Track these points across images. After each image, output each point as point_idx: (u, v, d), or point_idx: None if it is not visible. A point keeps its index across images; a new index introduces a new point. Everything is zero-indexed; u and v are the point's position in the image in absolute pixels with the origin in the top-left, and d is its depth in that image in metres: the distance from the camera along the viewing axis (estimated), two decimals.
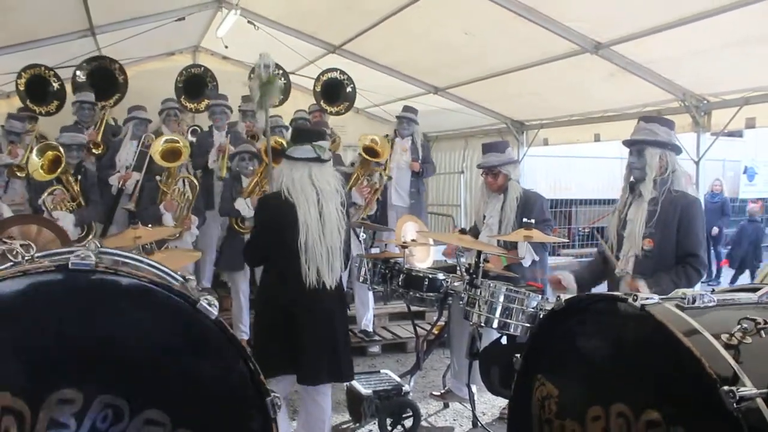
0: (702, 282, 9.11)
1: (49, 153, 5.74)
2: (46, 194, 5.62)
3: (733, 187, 16.80)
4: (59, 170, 5.66)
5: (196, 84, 8.52)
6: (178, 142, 6.08)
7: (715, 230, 12.10)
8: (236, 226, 6.15)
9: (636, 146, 3.82)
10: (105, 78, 7.78)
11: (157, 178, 6.06)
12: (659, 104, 6.44)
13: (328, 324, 3.73)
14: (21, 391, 1.70)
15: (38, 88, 7.31)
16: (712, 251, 12.12)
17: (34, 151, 5.77)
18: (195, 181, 6.04)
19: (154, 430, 1.85)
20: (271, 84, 6.19)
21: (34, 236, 3.99)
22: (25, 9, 6.29)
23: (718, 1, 4.60)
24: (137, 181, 6.47)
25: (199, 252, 5.46)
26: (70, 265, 1.78)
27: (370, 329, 6.82)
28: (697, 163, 6.38)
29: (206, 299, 1.94)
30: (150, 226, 5.57)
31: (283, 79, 7.30)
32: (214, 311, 1.94)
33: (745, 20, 4.67)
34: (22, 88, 7.19)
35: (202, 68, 8.72)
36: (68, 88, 7.55)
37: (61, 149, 5.74)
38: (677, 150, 3.86)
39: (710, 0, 4.63)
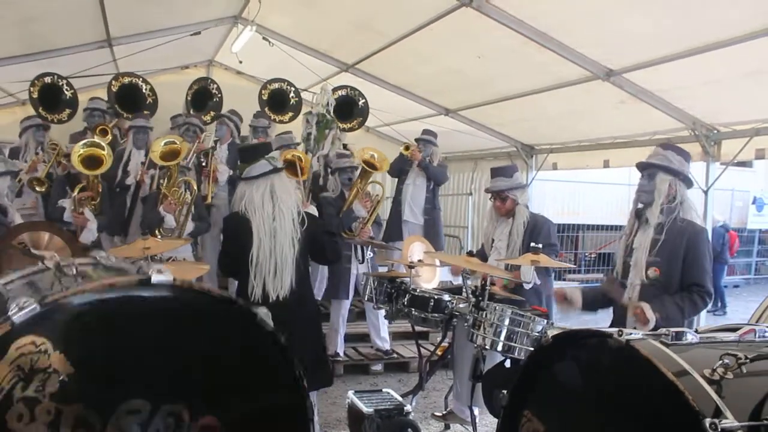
0: (708, 311, 9.09)
1: (96, 150, 5.72)
2: (76, 191, 5.61)
3: (741, 217, 16.75)
4: (101, 168, 5.66)
5: (202, 96, 8.61)
6: (176, 143, 6.10)
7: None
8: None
9: (648, 170, 3.84)
10: (134, 96, 7.94)
11: (160, 181, 6.07)
12: (669, 132, 6.45)
13: None
14: (93, 402, 1.74)
15: (51, 96, 7.39)
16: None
17: (81, 143, 5.77)
18: (194, 184, 6.05)
19: None
20: (327, 126, 6.29)
21: (45, 243, 4.02)
22: (45, 19, 6.38)
23: (729, 33, 4.63)
24: (153, 177, 6.55)
25: (207, 265, 5.45)
26: (153, 281, 1.83)
27: (384, 347, 6.83)
28: (706, 192, 6.37)
29: (263, 311, 2.05)
30: (157, 233, 5.63)
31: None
32: (270, 323, 2.05)
33: (757, 52, 4.70)
34: (35, 96, 7.26)
35: (208, 80, 8.82)
36: (81, 97, 7.65)
37: (108, 150, 5.76)
38: (688, 182, 3.86)
39: (722, 31, 4.66)
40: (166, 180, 5.96)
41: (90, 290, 1.75)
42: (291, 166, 6.17)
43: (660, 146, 3.97)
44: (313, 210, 4.55)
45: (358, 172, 6.78)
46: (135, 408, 1.79)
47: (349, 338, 6.93)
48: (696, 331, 2.10)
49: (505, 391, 2.55)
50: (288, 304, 3.83)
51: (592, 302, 4.06)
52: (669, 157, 3.81)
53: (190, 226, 5.92)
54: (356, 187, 6.65)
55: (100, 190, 5.86)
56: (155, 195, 6.01)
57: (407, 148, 8.05)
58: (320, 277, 7.54)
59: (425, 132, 8.00)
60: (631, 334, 1.98)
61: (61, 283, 1.92)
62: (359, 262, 6.52)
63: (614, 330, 2.03)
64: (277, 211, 3.83)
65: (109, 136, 7.21)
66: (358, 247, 6.50)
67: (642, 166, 3.91)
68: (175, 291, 1.89)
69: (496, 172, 5.14)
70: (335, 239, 4.42)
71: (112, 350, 1.80)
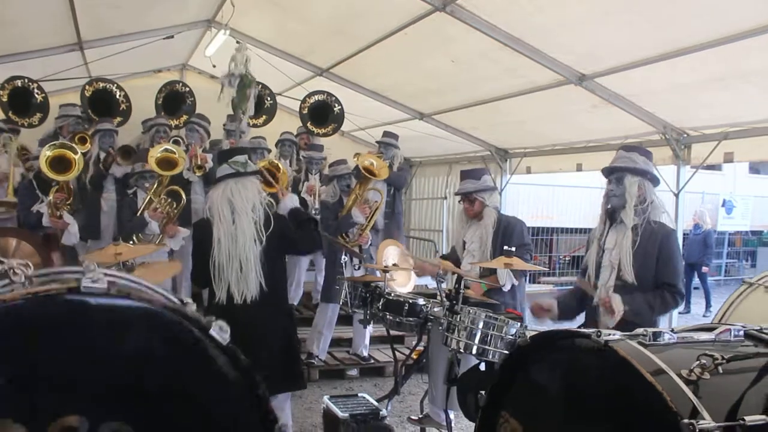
0: (680, 314, 9.19)
1: (66, 153, 5.55)
2: (51, 194, 5.48)
3: (711, 219, 17.02)
4: (72, 172, 5.51)
5: (175, 100, 8.53)
6: (175, 153, 6.03)
7: (705, 269, 12.45)
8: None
9: (615, 174, 3.84)
10: (107, 101, 7.85)
11: (146, 185, 5.98)
12: (640, 136, 6.53)
13: (248, 339, 3.69)
14: (23, 418, 1.62)
15: (21, 100, 7.26)
16: (693, 284, 12.34)
17: (48, 145, 5.63)
18: (182, 193, 5.99)
19: None
20: (246, 87, 6.16)
21: (12, 250, 3.94)
22: (14, 20, 6.28)
23: (698, 39, 4.71)
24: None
25: (179, 263, 5.38)
26: (82, 288, 1.67)
27: (363, 354, 6.84)
28: (677, 195, 6.46)
29: (218, 325, 1.84)
30: (138, 237, 5.55)
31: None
32: (226, 337, 1.84)
33: (725, 57, 4.78)
34: (4, 99, 7.12)
35: (178, 83, 8.75)
36: (52, 101, 7.53)
37: (78, 151, 5.64)
38: (655, 181, 3.87)
39: (691, 37, 4.74)
40: (155, 185, 5.89)
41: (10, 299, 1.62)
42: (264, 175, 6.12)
43: (623, 149, 3.96)
44: (294, 199, 4.45)
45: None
46: (70, 425, 1.66)
47: None
48: (672, 331, 2.11)
49: (483, 392, 2.55)
50: (255, 306, 3.84)
51: (569, 311, 4.07)
52: (634, 159, 3.82)
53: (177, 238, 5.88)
54: (354, 194, 6.61)
55: (72, 189, 5.75)
56: (130, 201, 5.94)
57: (357, 155, 7.93)
58: (295, 281, 7.51)
59: (386, 134, 7.84)
60: (609, 335, 1.99)
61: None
62: (355, 269, 6.47)
63: (592, 331, 2.03)
64: (236, 215, 3.84)
65: (88, 145, 7.03)
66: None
67: (609, 171, 3.90)
68: (109, 300, 1.72)
69: (464, 175, 5.17)
70: (312, 227, 4.36)
71: (40, 365, 1.66)
